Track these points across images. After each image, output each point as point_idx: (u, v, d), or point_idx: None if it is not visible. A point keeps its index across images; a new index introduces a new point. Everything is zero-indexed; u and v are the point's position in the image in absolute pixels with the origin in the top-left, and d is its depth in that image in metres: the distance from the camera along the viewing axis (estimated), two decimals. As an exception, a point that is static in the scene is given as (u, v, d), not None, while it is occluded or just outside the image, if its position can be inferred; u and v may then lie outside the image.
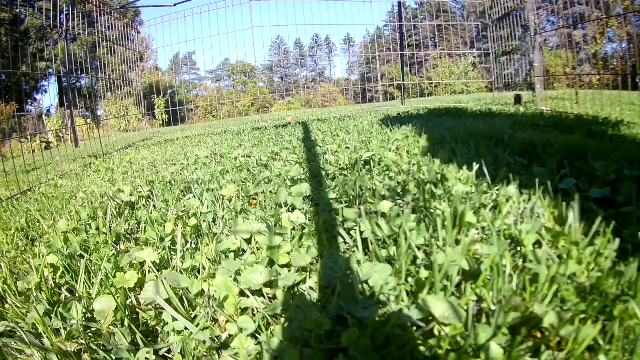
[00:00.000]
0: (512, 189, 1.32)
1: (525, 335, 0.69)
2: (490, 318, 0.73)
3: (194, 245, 1.30)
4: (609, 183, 1.41)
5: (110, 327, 0.88)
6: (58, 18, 6.00)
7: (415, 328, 0.71)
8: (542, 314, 0.69)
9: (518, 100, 5.71)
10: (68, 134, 8.38)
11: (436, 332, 0.70)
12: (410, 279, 0.88)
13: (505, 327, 0.69)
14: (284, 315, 0.85)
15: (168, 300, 0.92)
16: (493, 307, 0.75)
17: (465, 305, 0.76)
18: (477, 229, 1.08)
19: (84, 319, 0.92)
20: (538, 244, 1.00)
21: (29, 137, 8.41)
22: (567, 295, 0.76)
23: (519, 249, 0.97)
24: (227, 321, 0.86)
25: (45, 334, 0.89)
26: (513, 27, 6.62)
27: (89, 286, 1.10)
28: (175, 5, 7.95)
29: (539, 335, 0.70)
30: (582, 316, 0.73)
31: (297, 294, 0.92)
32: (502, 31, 6.88)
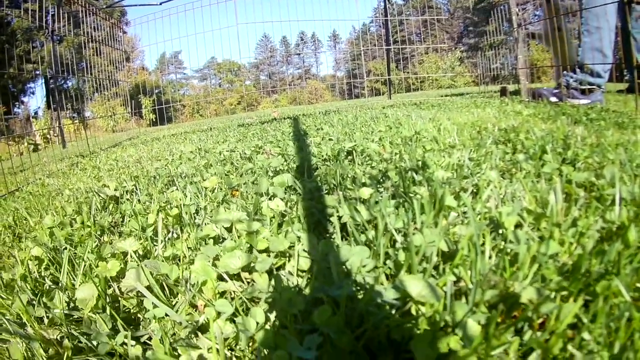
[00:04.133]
0: (494, 173, 1.31)
1: (504, 313, 0.68)
2: (468, 297, 0.72)
3: (175, 235, 1.29)
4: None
5: (92, 314, 0.87)
6: (44, 19, 5.95)
7: (390, 307, 0.69)
8: (520, 291, 0.67)
9: (503, 92, 5.73)
10: (56, 136, 8.34)
11: (413, 312, 0.69)
12: (389, 262, 0.86)
13: (483, 305, 0.67)
14: (261, 298, 0.83)
15: (149, 288, 0.91)
16: (471, 286, 0.73)
17: (443, 285, 0.75)
18: (457, 213, 1.07)
19: (67, 308, 0.92)
20: (519, 226, 0.98)
21: (16, 139, 8.36)
22: (548, 273, 0.75)
23: (500, 231, 0.96)
24: (205, 305, 0.85)
25: (28, 322, 0.88)
26: (500, 21, 6.63)
27: (72, 277, 1.09)
28: (160, 3, 7.91)
29: (523, 314, 0.69)
30: (564, 293, 0.71)
31: (276, 277, 0.91)
32: (488, 25, 6.90)
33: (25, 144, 9.73)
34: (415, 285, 0.67)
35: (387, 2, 9.18)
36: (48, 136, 10.63)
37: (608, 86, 4.55)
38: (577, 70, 3.93)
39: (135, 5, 9.31)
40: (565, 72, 4.06)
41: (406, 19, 9.65)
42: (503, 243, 0.89)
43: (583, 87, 3.85)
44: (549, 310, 0.64)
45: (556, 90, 4.17)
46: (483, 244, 0.85)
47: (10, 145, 8.55)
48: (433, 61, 26.65)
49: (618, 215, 0.96)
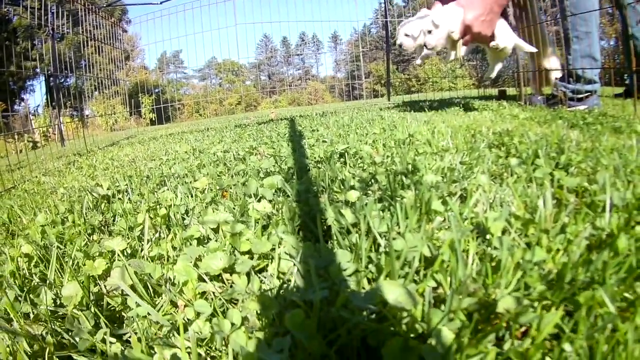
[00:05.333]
0: (484, 178, 1.29)
1: (483, 321, 0.66)
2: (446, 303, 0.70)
3: (163, 235, 1.29)
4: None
5: (77, 311, 0.88)
6: (46, 16, 5.96)
7: (366, 312, 0.68)
8: (498, 299, 0.66)
9: (502, 95, 5.72)
10: (55, 134, 8.34)
11: (390, 318, 0.67)
12: (371, 265, 0.85)
13: (461, 312, 0.65)
14: (239, 300, 0.83)
15: (132, 286, 0.91)
16: (449, 293, 0.72)
17: (423, 290, 0.73)
18: (443, 217, 1.05)
19: (53, 305, 0.92)
20: (507, 232, 0.97)
21: (15, 136, 8.34)
22: (531, 281, 0.73)
23: (486, 236, 0.94)
24: (186, 305, 0.85)
25: (15, 318, 0.89)
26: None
27: (60, 274, 1.10)
28: (161, 2, 7.91)
29: (503, 323, 0.67)
30: (546, 302, 0.70)
31: (258, 279, 0.90)
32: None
33: (25, 141, 9.72)
34: (392, 291, 0.66)
35: (387, 3, 9.18)
36: (47, 134, 10.63)
37: (606, 90, 4.53)
38: (570, 79, 3.88)
39: (136, 4, 9.32)
40: (560, 81, 4.01)
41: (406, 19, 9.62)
42: (487, 249, 0.87)
43: (580, 96, 3.81)
44: (528, 320, 0.62)
45: (551, 101, 4.12)
46: (467, 250, 0.84)
47: (10, 143, 8.55)
48: (433, 63, 26.59)
49: (608, 223, 0.94)
